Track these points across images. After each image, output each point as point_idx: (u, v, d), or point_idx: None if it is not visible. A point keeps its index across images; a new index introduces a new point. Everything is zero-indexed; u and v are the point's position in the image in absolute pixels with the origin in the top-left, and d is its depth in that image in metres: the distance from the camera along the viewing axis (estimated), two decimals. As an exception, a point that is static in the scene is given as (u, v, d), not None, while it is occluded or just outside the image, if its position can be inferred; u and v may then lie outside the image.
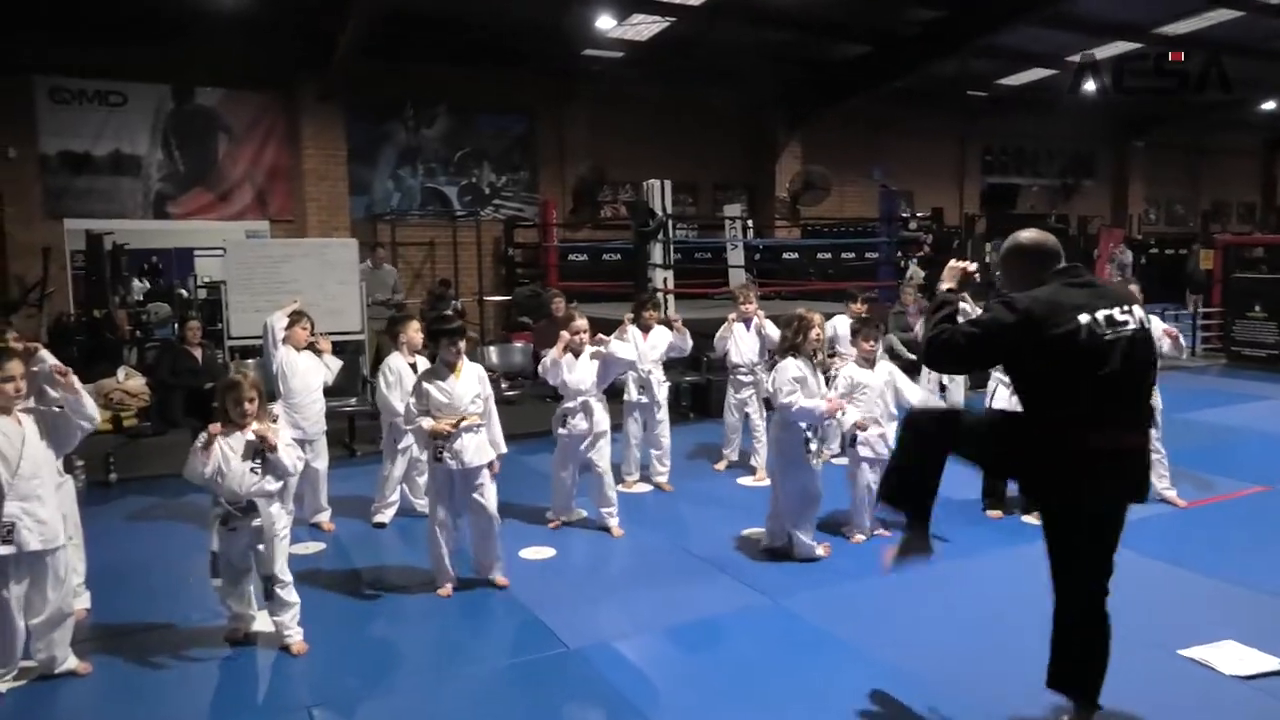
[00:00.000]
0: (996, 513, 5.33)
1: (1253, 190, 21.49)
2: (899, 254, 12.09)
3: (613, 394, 5.59)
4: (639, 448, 6.11)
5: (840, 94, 13.87)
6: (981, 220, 17.33)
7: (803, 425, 4.52)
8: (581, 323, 5.05)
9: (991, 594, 4.16)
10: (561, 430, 5.15)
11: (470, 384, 4.24)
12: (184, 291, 10.44)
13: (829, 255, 14.34)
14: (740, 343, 6.35)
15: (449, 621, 4.02)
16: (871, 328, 4.98)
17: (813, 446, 4.58)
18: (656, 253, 10.35)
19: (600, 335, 5.13)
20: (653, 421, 6.03)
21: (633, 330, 5.73)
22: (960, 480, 5.77)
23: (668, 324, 6.02)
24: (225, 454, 3.58)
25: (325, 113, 11.36)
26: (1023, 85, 15.56)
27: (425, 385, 4.22)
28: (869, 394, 4.86)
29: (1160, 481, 5.31)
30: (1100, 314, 2.69)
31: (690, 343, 6.00)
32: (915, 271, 11.84)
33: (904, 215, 13.43)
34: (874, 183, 16.20)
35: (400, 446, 5.34)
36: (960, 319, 2.86)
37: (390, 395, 5.19)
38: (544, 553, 4.83)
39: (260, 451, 3.61)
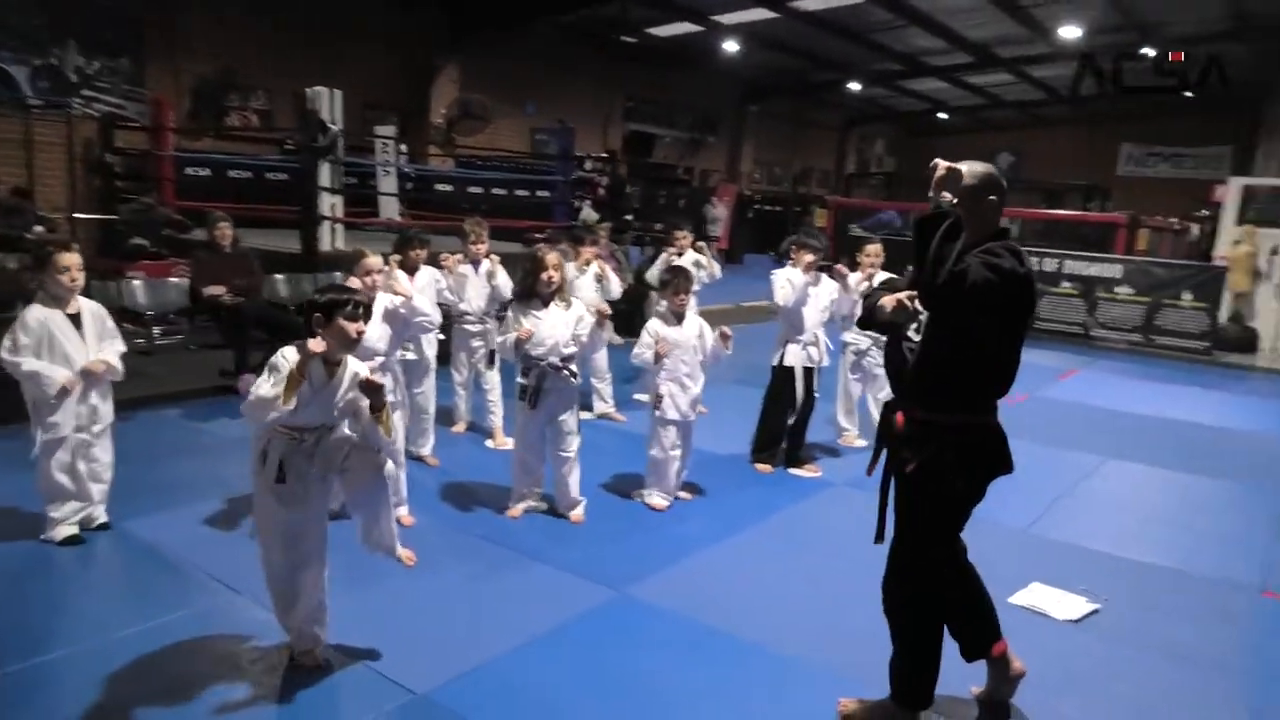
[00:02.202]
0: (766, 466, 5.33)
1: (831, 160, 25.00)
2: (575, 194, 11.82)
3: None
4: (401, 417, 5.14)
5: (505, 21, 13.13)
6: (623, 166, 17.91)
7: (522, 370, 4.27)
8: (374, 261, 3.87)
9: (827, 551, 4.10)
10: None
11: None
12: None
13: (480, 190, 13.60)
14: (469, 288, 5.58)
15: (244, 688, 2.81)
16: (683, 278, 4.55)
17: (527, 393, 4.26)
18: (324, 174, 8.90)
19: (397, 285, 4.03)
20: (418, 382, 5.09)
21: (400, 274, 4.69)
22: (728, 433, 5.74)
23: (437, 265, 5.05)
24: None
25: None
26: (668, 38, 16.13)
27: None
28: (676, 352, 4.47)
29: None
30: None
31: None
32: (589, 214, 11.66)
33: (579, 155, 13.17)
34: (527, 117, 15.79)
35: (46, 437, 3.70)
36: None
37: (26, 362, 3.59)
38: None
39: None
